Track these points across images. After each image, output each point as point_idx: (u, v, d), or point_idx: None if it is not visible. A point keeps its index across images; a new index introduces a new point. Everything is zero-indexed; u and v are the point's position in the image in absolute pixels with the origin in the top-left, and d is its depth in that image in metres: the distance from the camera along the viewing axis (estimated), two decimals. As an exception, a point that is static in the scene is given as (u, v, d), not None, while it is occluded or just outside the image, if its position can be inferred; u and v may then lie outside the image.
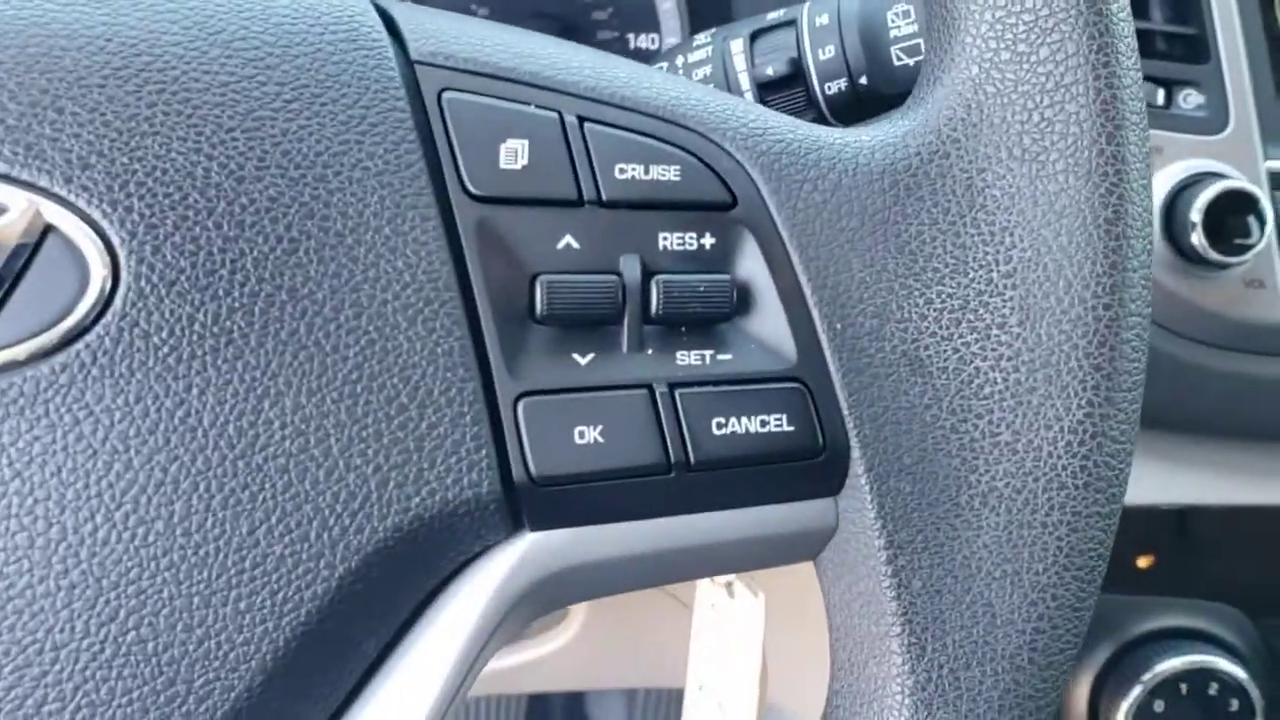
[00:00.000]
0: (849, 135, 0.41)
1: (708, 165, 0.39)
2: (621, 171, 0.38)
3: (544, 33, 1.03)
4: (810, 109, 0.57)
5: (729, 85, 0.57)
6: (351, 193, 0.36)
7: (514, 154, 0.38)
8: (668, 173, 0.39)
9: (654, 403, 0.38)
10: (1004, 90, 0.39)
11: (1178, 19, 0.78)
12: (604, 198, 0.38)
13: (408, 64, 0.38)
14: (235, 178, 0.35)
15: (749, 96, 0.56)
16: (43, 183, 0.34)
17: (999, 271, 0.39)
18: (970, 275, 0.39)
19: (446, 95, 0.38)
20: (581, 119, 0.38)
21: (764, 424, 0.38)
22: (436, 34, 0.39)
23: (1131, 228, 0.39)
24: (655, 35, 1.02)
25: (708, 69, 0.58)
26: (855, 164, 0.40)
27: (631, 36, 1.03)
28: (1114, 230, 0.39)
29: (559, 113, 0.38)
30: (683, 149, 0.39)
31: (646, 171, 0.38)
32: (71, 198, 0.34)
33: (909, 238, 0.40)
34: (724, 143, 0.39)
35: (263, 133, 0.36)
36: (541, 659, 0.98)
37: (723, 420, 0.38)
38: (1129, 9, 0.40)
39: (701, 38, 0.60)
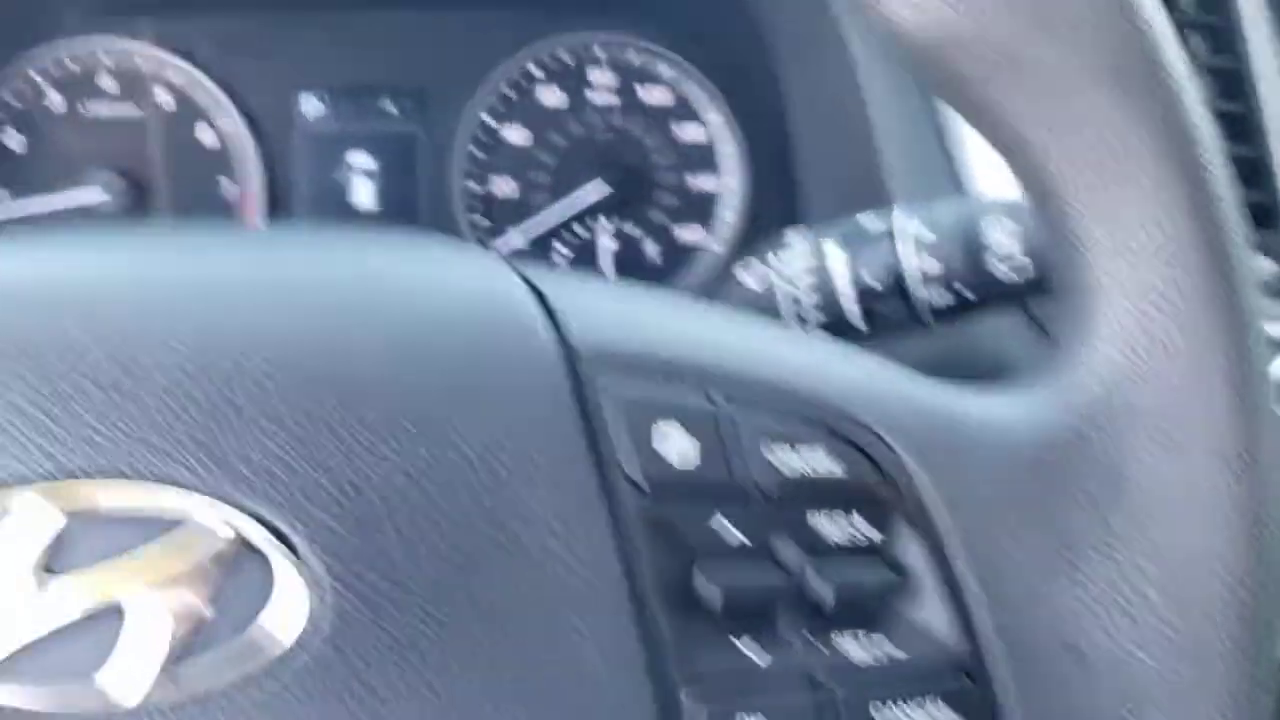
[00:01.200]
0: (988, 409, 0.42)
1: (861, 450, 0.40)
2: (777, 458, 0.39)
3: (605, 179, 1.05)
4: (912, 319, 0.59)
5: (835, 293, 0.59)
6: (525, 492, 0.37)
7: (670, 440, 0.39)
8: (822, 458, 0.40)
9: (814, 690, 0.38)
10: (1144, 375, 0.40)
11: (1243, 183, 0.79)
12: (760, 485, 0.39)
13: (568, 355, 0.39)
14: (414, 483, 0.36)
15: (854, 310, 0.58)
16: (227, 492, 0.35)
17: (1145, 556, 0.40)
18: (1117, 559, 0.40)
19: (605, 384, 0.39)
20: (734, 404, 0.40)
21: (925, 712, 0.39)
22: (594, 320, 0.40)
23: (1273, 517, 0.40)
24: (713, 177, 1.04)
25: (811, 279, 0.59)
26: (1000, 445, 0.41)
27: (690, 177, 1.05)
28: (1257, 526, 0.40)
29: (711, 398, 0.40)
30: (837, 434, 0.40)
31: (802, 458, 0.39)
32: (258, 509, 0.35)
33: (1056, 518, 0.41)
34: (875, 426, 0.40)
35: (436, 434, 0.37)
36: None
37: (880, 704, 0.39)
38: (1263, 301, 0.41)
39: (796, 239, 0.62)
